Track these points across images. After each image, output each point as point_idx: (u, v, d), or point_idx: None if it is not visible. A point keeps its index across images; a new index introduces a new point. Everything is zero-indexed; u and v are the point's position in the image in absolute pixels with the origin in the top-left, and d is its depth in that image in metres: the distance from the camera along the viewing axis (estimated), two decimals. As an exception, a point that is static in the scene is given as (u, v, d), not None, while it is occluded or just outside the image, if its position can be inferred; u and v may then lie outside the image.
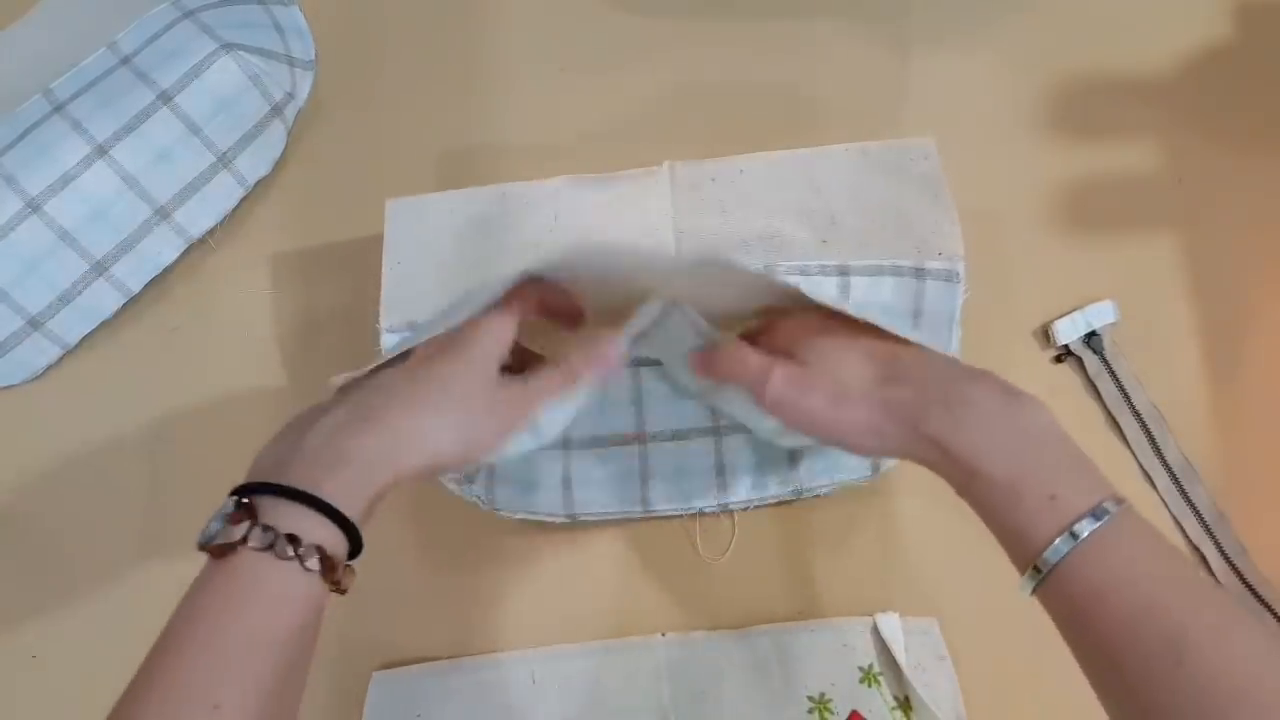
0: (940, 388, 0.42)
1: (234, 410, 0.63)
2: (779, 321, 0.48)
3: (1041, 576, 0.38)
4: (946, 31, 0.71)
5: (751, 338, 0.48)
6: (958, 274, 0.59)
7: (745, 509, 0.59)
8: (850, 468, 0.58)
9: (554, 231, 0.59)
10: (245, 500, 0.37)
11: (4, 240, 0.59)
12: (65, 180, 0.60)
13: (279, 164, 0.67)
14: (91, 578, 0.60)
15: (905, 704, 0.55)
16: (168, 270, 0.64)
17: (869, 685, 0.55)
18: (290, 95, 0.66)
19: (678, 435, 0.59)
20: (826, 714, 0.55)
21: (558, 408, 0.47)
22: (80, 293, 0.62)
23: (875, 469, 0.57)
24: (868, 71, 0.70)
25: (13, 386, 0.63)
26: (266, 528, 0.36)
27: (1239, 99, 0.69)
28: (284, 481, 0.37)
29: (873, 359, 0.44)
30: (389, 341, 0.56)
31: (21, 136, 0.60)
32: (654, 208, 0.60)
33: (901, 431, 0.42)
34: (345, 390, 0.44)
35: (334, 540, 0.37)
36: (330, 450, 0.38)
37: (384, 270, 0.57)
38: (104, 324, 0.63)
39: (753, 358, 0.45)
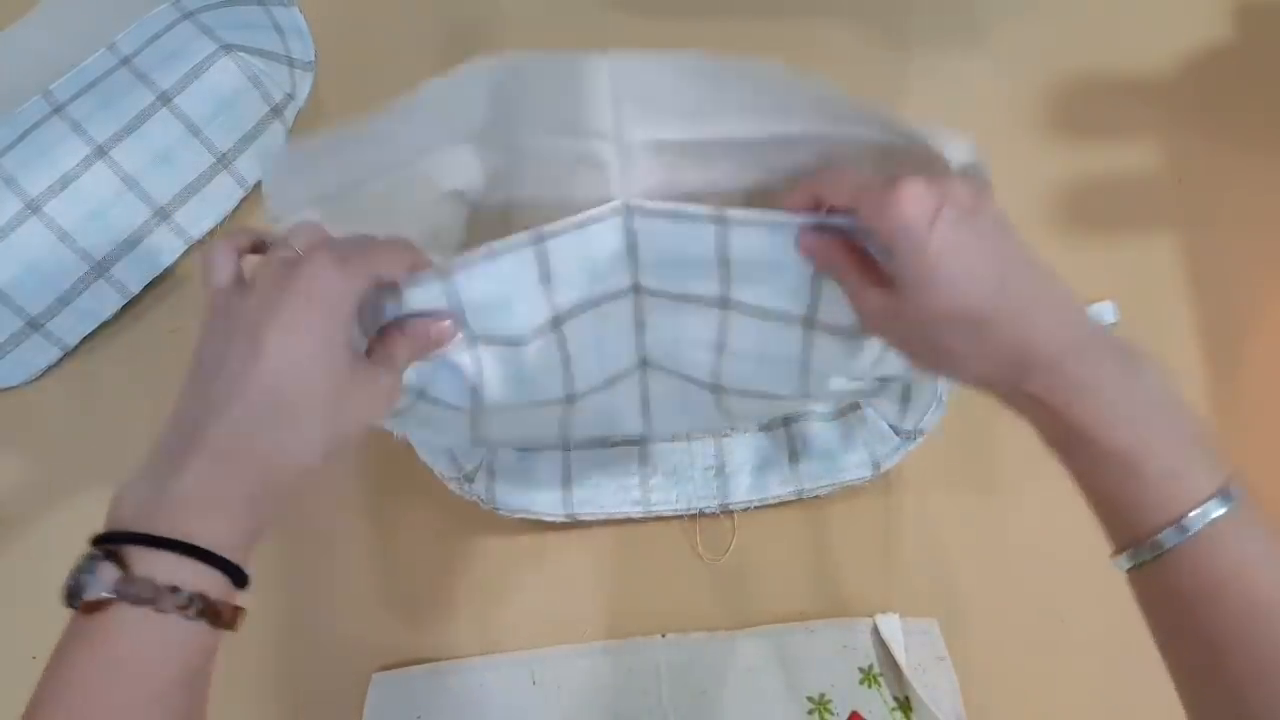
0: (1049, 338, 0.36)
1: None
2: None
3: (1150, 558, 0.34)
4: (946, 31, 0.71)
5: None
6: None
7: (746, 509, 0.59)
8: (850, 469, 0.58)
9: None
10: (111, 550, 0.34)
11: (4, 241, 0.59)
12: (65, 181, 0.60)
13: (279, 165, 0.67)
14: (91, 578, 0.60)
15: (905, 704, 0.55)
16: (168, 271, 0.64)
17: (869, 686, 0.55)
18: (290, 96, 0.66)
19: (678, 436, 0.59)
20: (826, 714, 0.55)
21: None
22: (80, 294, 0.62)
23: (875, 468, 0.57)
24: (868, 72, 0.70)
25: (13, 388, 0.63)
26: (142, 579, 0.33)
27: (1239, 99, 0.69)
28: (152, 530, 0.34)
29: (977, 280, 0.36)
30: None
31: (21, 138, 0.60)
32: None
33: (1001, 383, 0.37)
34: (193, 393, 0.39)
35: (217, 584, 0.35)
36: (198, 496, 0.35)
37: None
38: (104, 325, 0.63)
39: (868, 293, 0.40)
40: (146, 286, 0.64)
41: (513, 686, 0.56)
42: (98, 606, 0.33)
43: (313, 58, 0.66)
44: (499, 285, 0.43)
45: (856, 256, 0.40)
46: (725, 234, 0.43)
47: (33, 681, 0.59)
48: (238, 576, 0.36)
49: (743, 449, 0.59)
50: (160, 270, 0.64)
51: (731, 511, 0.59)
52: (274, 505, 0.37)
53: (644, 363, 0.49)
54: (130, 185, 0.61)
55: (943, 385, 0.56)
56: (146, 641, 0.33)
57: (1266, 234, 0.66)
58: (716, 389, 0.49)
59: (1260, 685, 0.33)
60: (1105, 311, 0.63)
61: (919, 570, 0.59)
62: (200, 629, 0.34)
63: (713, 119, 0.42)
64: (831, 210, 0.40)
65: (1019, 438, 0.43)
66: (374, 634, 0.58)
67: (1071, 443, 0.36)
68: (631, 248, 0.44)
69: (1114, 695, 0.57)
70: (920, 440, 0.57)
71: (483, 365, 0.45)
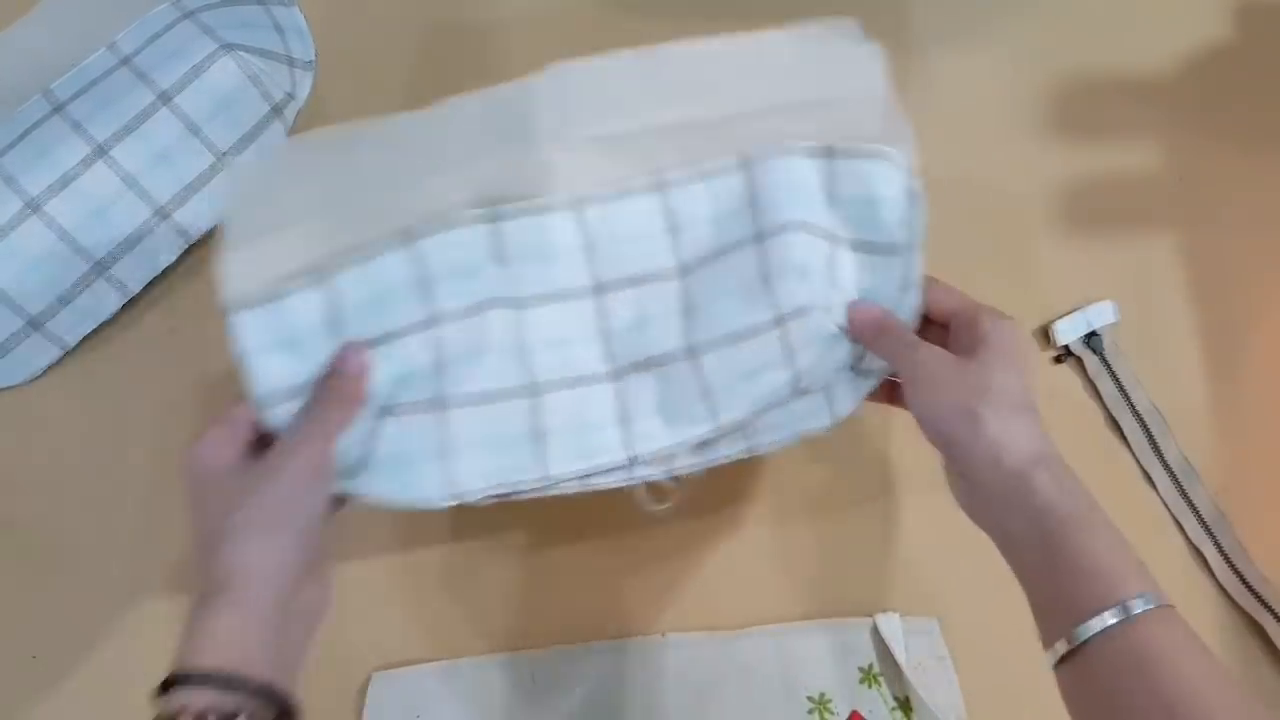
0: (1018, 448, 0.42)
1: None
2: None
3: (1088, 636, 0.38)
4: (946, 31, 0.71)
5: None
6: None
7: (694, 473, 0.51)
8: (805, 417, 0.51)
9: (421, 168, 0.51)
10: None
11: (4, 241, 0.59)
12: (65, 181, 0.60)
13: (279, 164, 0.67)
14: (91, 578, 0.60)
15: (905, 704, 0.55)
16: (168, 271, 0.64)
17: (869, 685, 0.56)
18: (290, 95, 0.66)
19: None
20: (826, 714, 0.55)
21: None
22: (80, 293, 0.62)
23: (834, 418, 0.51)
24: (868, 71, 0.70)
25: (13, 387, 0.63)
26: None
27: (1239, 99, 0.69)
28: (183, 669, 0.38)
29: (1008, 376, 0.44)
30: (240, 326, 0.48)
31: (22, 137, 0.59)
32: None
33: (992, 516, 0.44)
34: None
35: (222, 699, 0.37)
36: (211, 631, 0.39)
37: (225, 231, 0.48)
38: (104, 324, 0.63)
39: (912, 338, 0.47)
40: (146, 286, 0.64)
41: (513, 686, 0.56)
42: None
43: (313, 57, 0.66)
44: (460, 253, 0.48)
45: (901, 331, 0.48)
46: (667, 199, 0.51)
47: (34, 681, 0.59)
48: (235, 685, 0.38)
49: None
50: (160, 270, 0.64)
51: (678, 478, 0.52)
52: (277, 619, 0.40)
53: (616, 374, 0.51)
54: (130, 184, 0.61)
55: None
56: None
57: (1267, 234, 0.66)
58: (692, 352, 0.50)
59: None
60: (1105, 311, 0.63)
61: (919, 570, 0.59)
62: None
63: (641, 110, 0.51)
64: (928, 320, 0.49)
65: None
66: (374, 634, 0.58)
67: (1053, 524, 0.40)
68: (589, 245, 0.50)
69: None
70: (876, 379, 0.51)
71: (443, 339, 0.48)
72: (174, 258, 0.64)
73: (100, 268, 0.62)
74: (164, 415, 0.63)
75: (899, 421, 0.58)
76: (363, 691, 0.56)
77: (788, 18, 0.71)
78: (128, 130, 0.61)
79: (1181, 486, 0.60)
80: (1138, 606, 0.37)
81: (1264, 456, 0.62)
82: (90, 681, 0.58)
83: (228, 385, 0.63)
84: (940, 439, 0.44)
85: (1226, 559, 0.59)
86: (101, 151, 0.60)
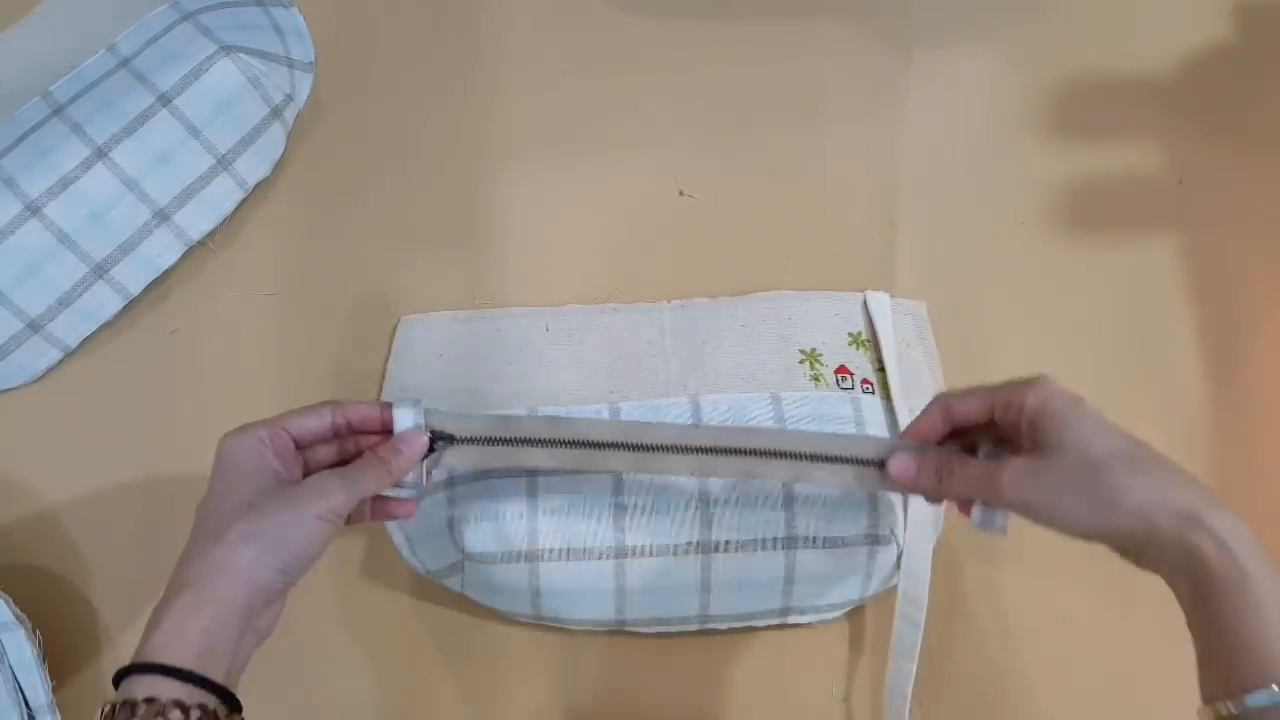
0: (1185, 491, 0.39)
1: (233, 412, 0.63)
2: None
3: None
4: (947, 31, 0.71)
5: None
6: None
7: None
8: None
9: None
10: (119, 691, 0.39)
11: (4, 243, 0.59)
12: (65, 183, 0.60)
13: (279, 166, 0.67)
14: (90, 580, 0.60)
15: (883, 370, 0.59)
16: (168, 273, 0.64)
17: (857, 348, 0.60)
18: (290, 97, 0.66)
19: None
20: (817, 365, 0.58)
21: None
22: (80, 295, 0.62)
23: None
24: (868, 72, 0.70)
25: (13, 389, 0.63)
26: (125, 701, 0.38)
27: (1239, 99, 0.69)
28: (139, 660, 0.39)
29: (1116, 433, 0.41)
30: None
31: (21, 139, 0.59)
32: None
33: (1143, 530, 0.38)
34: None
35: (190, 693, 0.38)
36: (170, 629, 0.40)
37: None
38: (104, 326, 0.63)
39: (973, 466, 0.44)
40: (146, 288, 0.64)
41: (526, 333, 0.62)
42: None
43: (312, 59, 0.66)
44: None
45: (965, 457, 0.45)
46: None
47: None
48: (205, 685, 0.39)
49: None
50: (160, 272, 0.64)
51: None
52: (241, 628, 0.41)
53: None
54: (130, 187, 0.61)
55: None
56: None
57: (1268, 234, 0.66)
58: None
59: None
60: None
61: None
62: None
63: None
64: (957, 426, 0.46)
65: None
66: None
67: (1215, 588, 0.37)
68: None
69: (1118, 694, 0.57)
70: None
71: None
72: (174, 260, 0.64)
73: (100, 270, 0.62)
74: (164, 417, 0.63)
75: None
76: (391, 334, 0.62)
77: (784, 17, 0.71)
78: (127, 132, 0.61)
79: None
80: None
81: (1264, 458, 0.62)
82: (88, 678, 0.58)
83: (227, 387, 0.63)
84: (1086, 538, 0.41)
85: (1227, 559, 0.59)
86: (101, 154, 0.60)
